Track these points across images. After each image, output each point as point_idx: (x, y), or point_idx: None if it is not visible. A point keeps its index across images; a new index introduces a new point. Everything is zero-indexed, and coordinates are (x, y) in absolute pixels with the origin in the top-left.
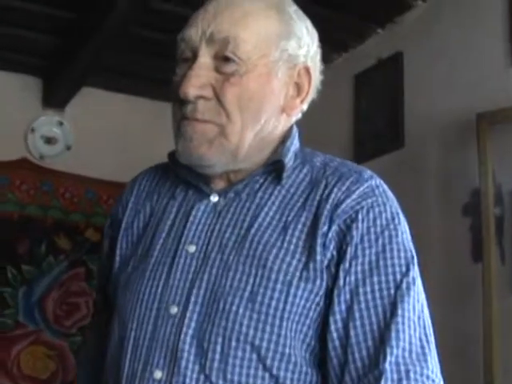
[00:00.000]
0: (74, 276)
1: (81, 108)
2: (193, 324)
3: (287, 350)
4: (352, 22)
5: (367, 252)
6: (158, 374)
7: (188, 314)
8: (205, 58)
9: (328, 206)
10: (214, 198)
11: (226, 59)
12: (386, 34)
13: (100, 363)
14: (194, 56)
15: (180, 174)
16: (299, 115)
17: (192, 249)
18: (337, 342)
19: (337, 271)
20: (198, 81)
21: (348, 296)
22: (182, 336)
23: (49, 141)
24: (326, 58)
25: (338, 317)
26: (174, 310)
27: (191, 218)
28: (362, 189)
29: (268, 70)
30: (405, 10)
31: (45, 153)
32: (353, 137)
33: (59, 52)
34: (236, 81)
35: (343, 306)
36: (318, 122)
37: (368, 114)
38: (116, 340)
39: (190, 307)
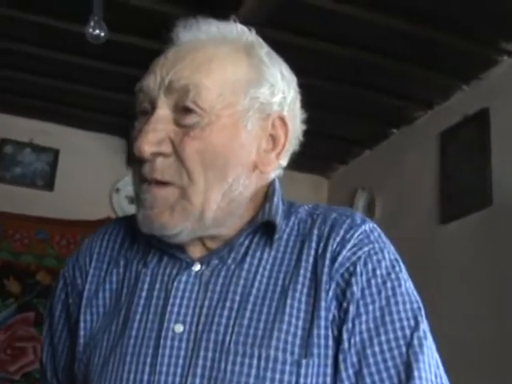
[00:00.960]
0: (22, 320)
1: None
2: None
3: None
4: (437, 79)
5: (370, 308)
6: None
7: None
8: (163, 110)
9: (327, 262)
10: (196, 267)
11: (187, 110)
12: (471, 90)
13: None
14: (153, 108)
15: (150, 240)
16: (278, 171)
17: (179, 329)
18: None
19: (340, 333)
20: (155, 136)
21: (355, 359)
22: None
23: (133, 200)
24: (410, 116)
25: None
26: None
27: (173, 292)
28: (356, 235)
29: (234, 120)
30: (490, 66)
31: (129, 212)
32: (439, 195)
33: None
34: (197, 134)
35: (351, 371)
36: (403, 180)
37: (454, 172)
38: None
39: None
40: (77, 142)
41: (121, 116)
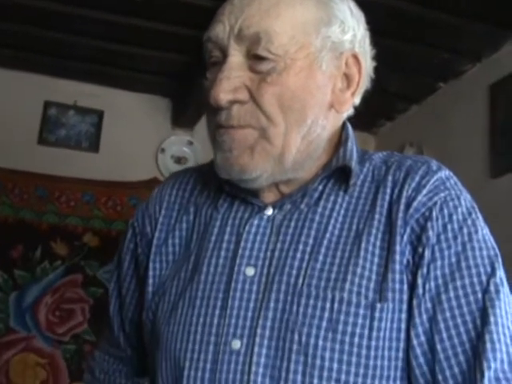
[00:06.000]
0: (70, 282)
1: None
2: (262, 360)
3: (377, 382)
4: (485, 30)
5: (446, 253)
6: None
7: (256, 349)
8: (236, 57)
9: (402, 207)
10: (269, 211)
11: (260, 57)
12: None
13: None
14: (224, 56)
15: (221, 186)
16: (351, 110)
17: (251, 272)
18: (421, 359)
19: (414, 279)
20: (230, 84)
21: (429, 305)
22: (252, 376)
23: (179, 160)
24: (458, 69)
25: (420, 330)
26: (237, 344)
27: (245, 235)
28: (432, 181)
29: (309, 62)
30: None
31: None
32: (489, 150)
33: (187, 71)
34: (274, 79)
35: (425, 317)
36: (453, 132)
37: (505, 126)
38: (166, 382)
39: (257, 341)
40: (121, 103)
41: (165, 76)
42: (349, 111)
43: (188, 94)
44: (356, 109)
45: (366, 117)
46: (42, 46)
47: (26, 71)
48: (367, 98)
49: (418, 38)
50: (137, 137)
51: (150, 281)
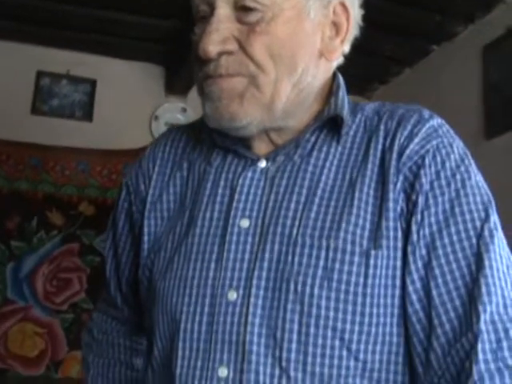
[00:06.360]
0: (66, 251)
1: None
2: (259, 311)
3: (373, 329)
4: None
5: (439, 200)
6: (223, 372)
7: (252, 300)
8: (223, 9)
9: (394, 155)
10: (262, 164)
11: (248, 8)
12: None
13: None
14: (212, 10)
15: (214, 140)
16: (341, 59)
17: (245, 223)
18: (417, 305)
19: (408, 226)
20: (219, 35)
21: (424, 251)
22: (249, 327)
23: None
24: (452, 31)
25: (415, 276)
26: (233, 295)
27: (239, 188)
28: (424, 130)
29: (297, 11)
30: None
31: None
32: (483, 110)
33: (180, 38)
34: (263, 29)
35: (420, 264)
36: (446, 95)
37: (498, 86)
38: (163, 336)
39: (253, 291)
40: (114, 71)
41: (158, 43)
42: (339, 59)
43: (181, 61)
44: (349, 73)
45: (360, 81)
46: (33, 15)
47: (18, 41)
48: (359, 61)
49: (410, 1)
50: (130, 105)
51: (145, 238)
